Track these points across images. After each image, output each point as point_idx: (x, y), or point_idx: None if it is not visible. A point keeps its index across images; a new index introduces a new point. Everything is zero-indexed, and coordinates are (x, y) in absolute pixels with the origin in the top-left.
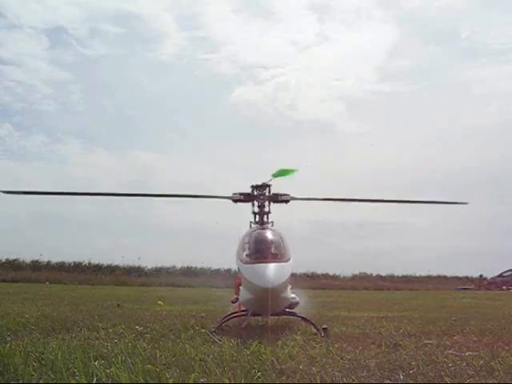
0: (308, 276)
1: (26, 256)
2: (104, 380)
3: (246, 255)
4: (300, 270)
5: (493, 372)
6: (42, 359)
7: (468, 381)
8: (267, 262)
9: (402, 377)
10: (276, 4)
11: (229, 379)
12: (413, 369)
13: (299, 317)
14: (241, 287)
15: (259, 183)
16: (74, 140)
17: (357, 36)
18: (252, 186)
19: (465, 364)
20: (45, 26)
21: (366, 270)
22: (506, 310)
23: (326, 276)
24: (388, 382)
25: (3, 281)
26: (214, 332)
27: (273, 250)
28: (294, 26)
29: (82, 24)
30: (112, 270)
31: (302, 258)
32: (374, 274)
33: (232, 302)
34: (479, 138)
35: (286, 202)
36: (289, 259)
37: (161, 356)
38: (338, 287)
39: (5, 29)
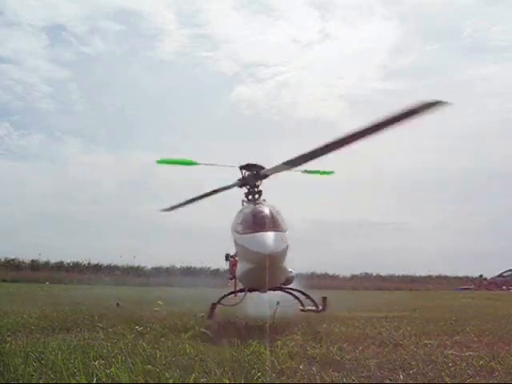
0: (307, 276)
1: (25, 256)
2: (104, 380)
3: (244, 227)
4: (299, 270)
5: (493, 372)
6: (42, 359)
7: (468, 381)
8: (266, 231)
9: (402, 377)
10: (277, 1)
11: (229, 379)
12: (413, 369)
13: (296, 290)
14: (238, 263)
15: (247, 163)
16: (73, 139)
17: (359, 33)
18: (240, 167)
19: (465, 364)
20: (44, 24)
21: (366, 270)
22: (506, 309)
23: (325, 276)
24: (388, 381)
25: (3, 281)
26: (211, 311)
27: (270, 221)
28: (296, 24)
29: (82, 21)
30: (111, 269)
31: (302, 258)
32: (374, 274)
33: (229, 279)
34: (480, 137)
35: (267, 176)
36: (285, 231)
37: (161, 356)
38: (337, 287)
39: (4, 26)
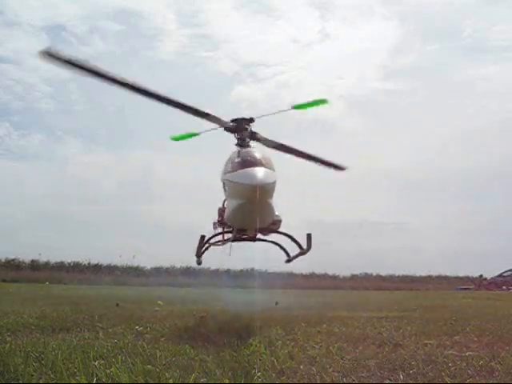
0: (307, 276)
1: (25, 256)
2: (104, 380)
3: (234, 166)
4: (299, 270)
5: (493, 372)
6: (42, 359)
7: (468, 381)
8: (256, 167)
9: (402, 377)
10: (277, 1)
11: (229, 379)
12: (413, 369)
13: (283, 233)
14: (226, 206)
15: (241, 117)
16: (73, 139)
17: (359, 33)
18: (233, 120)
19: (465, 364)
20: (44, 24)
21: (366, 270)
22: (506, 309)
23: (325, 276)
24: (388, 381)
25: (3, 281)
26: (199, 256)
27: (259, 160)
28: (296, 24)
29: (82, 21)
30: (111, 269)
31: (302, 258)
32: (374, 274)
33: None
34: (480, 138)
35: (259, 140)
36: (274, 171)
37: (161, 356)
38: (337, 287)
39: (4, 26)
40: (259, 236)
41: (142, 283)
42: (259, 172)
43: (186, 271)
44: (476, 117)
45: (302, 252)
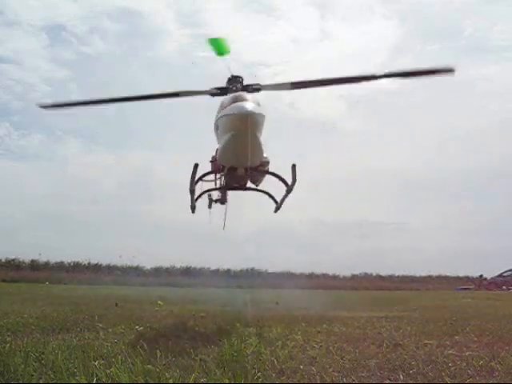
0: (307, 276)
1: (25, 256)
2: (104, 380)
3: (224, 106)
4: (300, 270)
5: (493, 372)
6: (42, 359)
7: (468, 381)
8: (246, 101)
9: (401, 377)
10: (277, 1)
11: (229, 379)
12: (413, 369)
13: (271, 173)
14: (218, 144)
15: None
16: (73, 139)
17: (359, 33)
18: (228, 78)
19: (465, 364)
20: (44, 24)
21: (366, 270)
22: (506, 309)
23: (325, 276)
24: (388, 381)
25: (3, 281)
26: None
27: (250, 98)
28: (296, 24)
29: (82, 21)
30: (111, 269)
31: (302, 259)
32: (374, 274)
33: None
34: (480, 137)
35: (258, 90)
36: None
37: (161, 356)
38: (337, 287)
39: (4, 26)
40: (249, 185)
41: (142, 283)
42: (248, 104)
43: (186, 271)
44: (476, 117)
45: (289, 189)
